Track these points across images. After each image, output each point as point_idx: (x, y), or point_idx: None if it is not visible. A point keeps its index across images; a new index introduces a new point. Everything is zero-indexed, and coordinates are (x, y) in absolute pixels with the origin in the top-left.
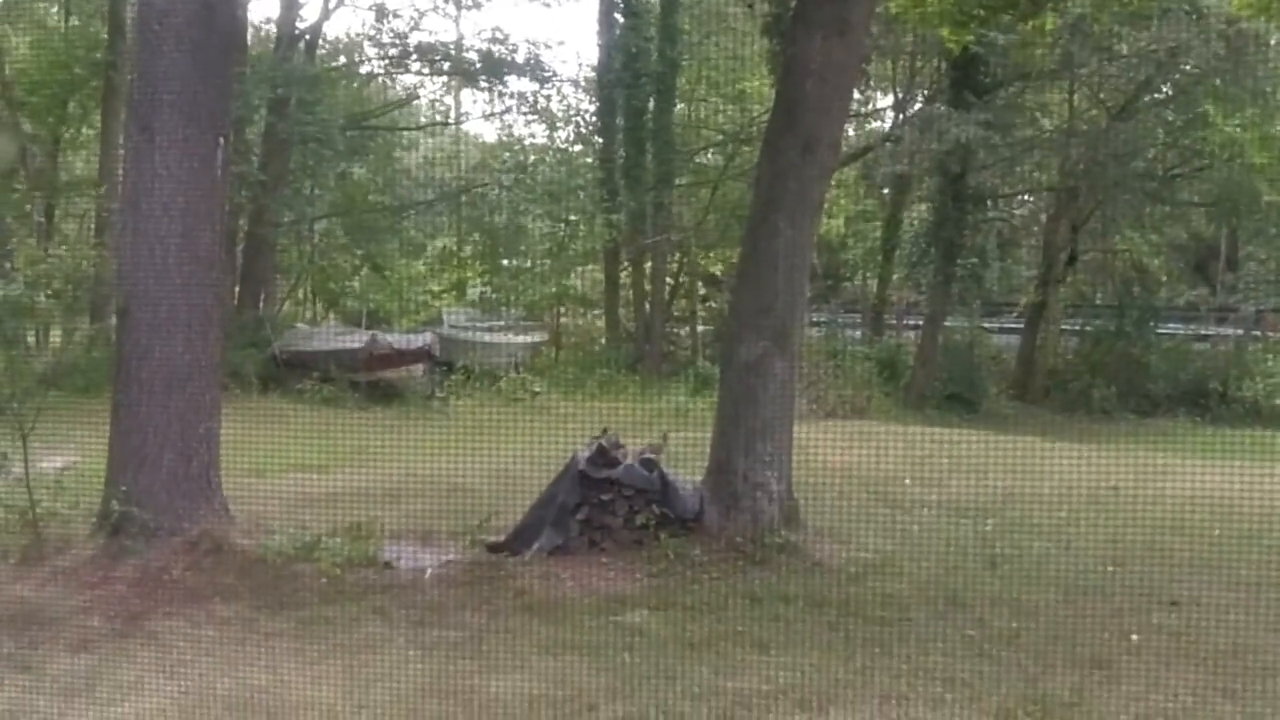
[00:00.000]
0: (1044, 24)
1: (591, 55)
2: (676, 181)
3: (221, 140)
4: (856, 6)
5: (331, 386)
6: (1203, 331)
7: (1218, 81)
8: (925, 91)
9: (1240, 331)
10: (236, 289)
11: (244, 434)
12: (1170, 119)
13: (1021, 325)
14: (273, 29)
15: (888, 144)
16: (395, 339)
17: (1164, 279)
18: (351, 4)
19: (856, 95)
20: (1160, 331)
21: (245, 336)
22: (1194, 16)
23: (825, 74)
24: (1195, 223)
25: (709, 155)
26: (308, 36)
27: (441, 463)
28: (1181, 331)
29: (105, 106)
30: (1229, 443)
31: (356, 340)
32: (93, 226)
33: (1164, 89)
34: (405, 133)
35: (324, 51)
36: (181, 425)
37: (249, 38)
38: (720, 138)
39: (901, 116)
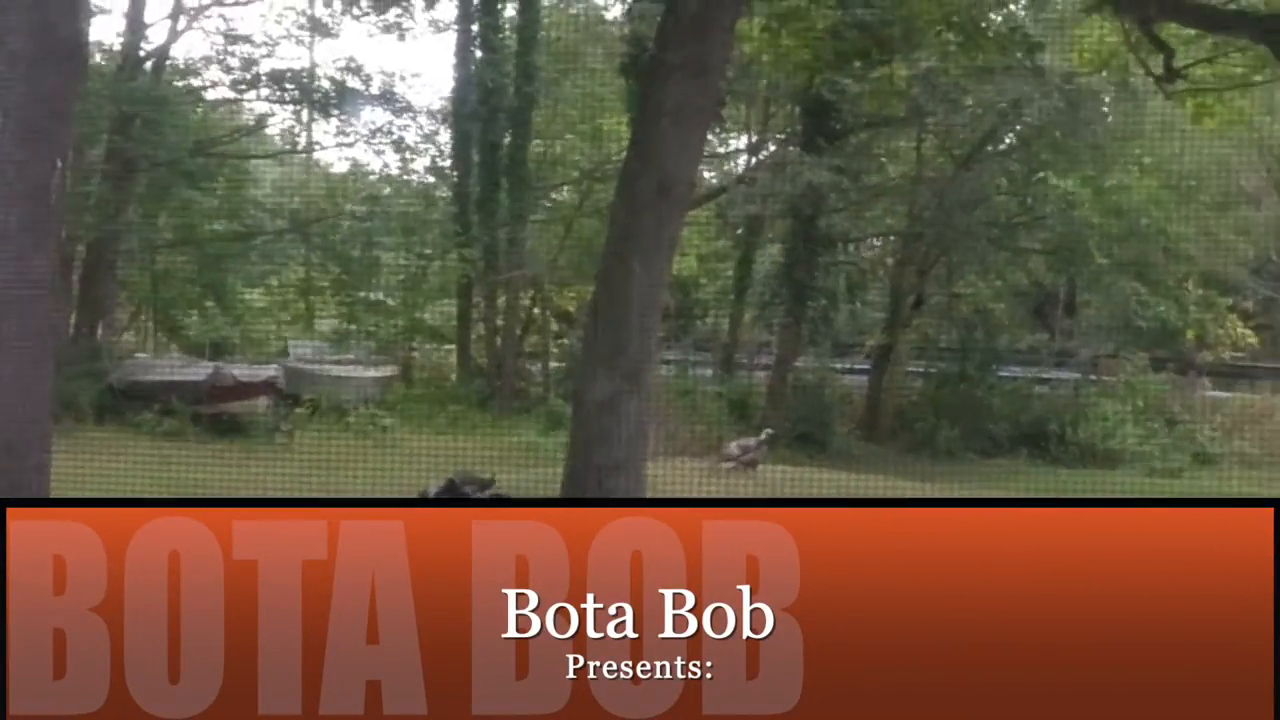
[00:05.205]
0: (893, 74)
1: (448, 88)
2: (531, 217)
3: (59, 162)
4: (714, 49)
5: (172, 419)
6: (1043, 375)
7: (1057, 134)
8: (779, 135)
9: (1078, 375)
10: (73, 316)
11: (78, 467)
12: (1013, 169)
13: (869, 366)
14: (117, 48)
15: (741, 185)
16: (240, 371)
17: (1006, 323)
18: (200, 27)
19: (711, 136)
20: (1002, 374)
21: (81, 365)
22: (1036, 73)
23: (681, 115)
24: (1036, 269)
25: (564, 192)
26: (153, 59)
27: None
28: (1022, 375)
29: None
30: (1065, 483)
31: (199, 372)
32: None
33: (1007, 140)
34: (255, 160)
35: (171, 74)
36: (9, 457)
37: (93, 57)
38: (576, 175)
39: (755, 159)
